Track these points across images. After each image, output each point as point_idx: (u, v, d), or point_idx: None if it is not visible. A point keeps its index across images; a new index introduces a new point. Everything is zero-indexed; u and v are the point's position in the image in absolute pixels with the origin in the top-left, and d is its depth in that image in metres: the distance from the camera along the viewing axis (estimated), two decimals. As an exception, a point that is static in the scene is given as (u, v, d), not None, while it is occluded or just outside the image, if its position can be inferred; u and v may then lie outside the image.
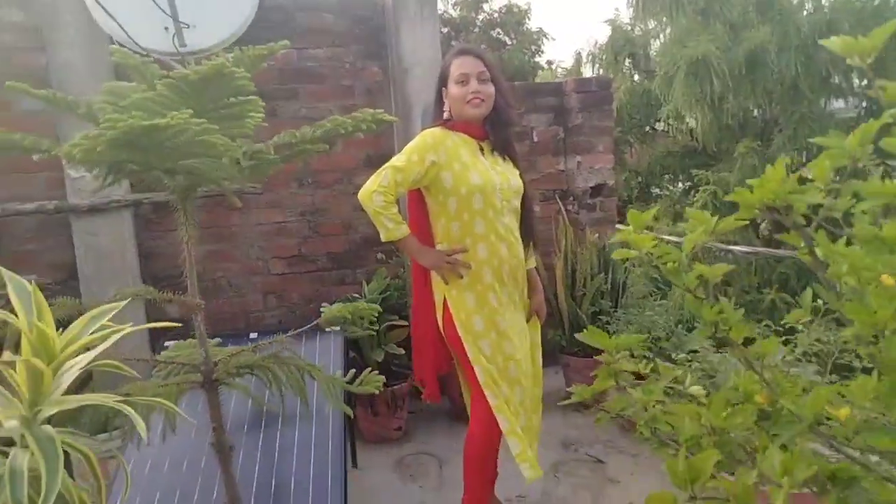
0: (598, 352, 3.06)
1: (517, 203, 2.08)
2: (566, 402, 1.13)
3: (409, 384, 2.96)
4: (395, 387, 2.91)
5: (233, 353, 1.25)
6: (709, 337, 0.96)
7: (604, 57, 7.32)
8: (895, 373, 0.69)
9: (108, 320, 0.86)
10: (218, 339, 1.34)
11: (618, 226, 4.82)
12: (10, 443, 0.70)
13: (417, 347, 2.22)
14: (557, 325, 3.23)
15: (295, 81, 3.25)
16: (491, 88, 1.99)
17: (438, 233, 2.03)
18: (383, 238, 1.95)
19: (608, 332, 3.09)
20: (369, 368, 1.43)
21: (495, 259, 1.98)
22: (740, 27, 5.61)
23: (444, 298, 2.03)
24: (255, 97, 0.97)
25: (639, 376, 1.15)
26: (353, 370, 1.43)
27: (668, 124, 6.32)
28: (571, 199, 3.67)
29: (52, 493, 0.58)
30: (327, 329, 2.76)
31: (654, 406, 0.95)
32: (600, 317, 3.01)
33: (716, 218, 1.03)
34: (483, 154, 2.02)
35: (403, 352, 2.90)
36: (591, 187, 3.64)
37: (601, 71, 7.37)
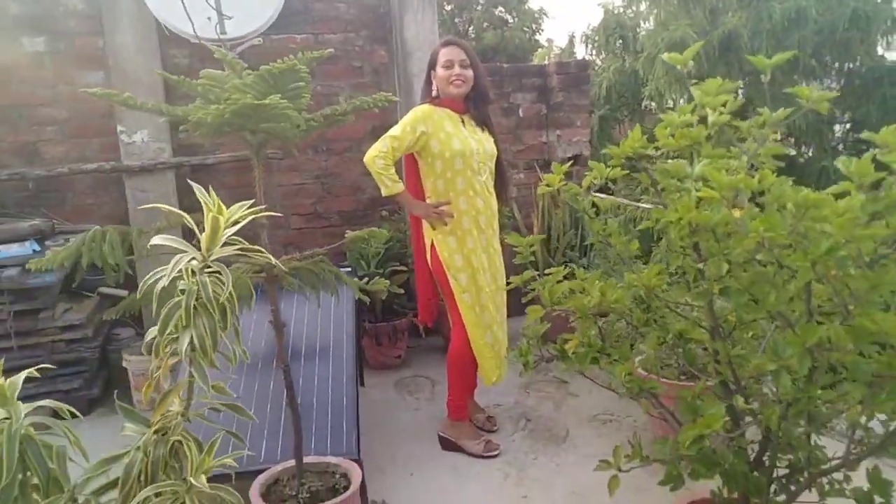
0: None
1: (492, 165, 2.60)
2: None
3: (408, 320, 3.52)
4: (396, 322, 3.48)
5: (286, 260, 1.79)
6: (598, 241, 1.51)
7: (596, 38, 7.77)
8: (674, 257, 1.23)
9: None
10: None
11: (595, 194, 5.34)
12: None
13: (417, 280, 2.79)
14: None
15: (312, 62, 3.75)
16: (470, 73, 2.49)
17: (428, 189, 2.56)
18: (384, 193, 2.49)
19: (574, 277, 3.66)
20: (378, 276, 1.98)
21: (472, 210, 2.51)
22: (720, 12, 6.07)
23: (432, 242, 2.57)
24: (307, 84, 1.49)
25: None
26: (366, 277, 1.98)
27: (650, 102, 6.79)
28: (551, 167, 4.19)
29: (227, 290, 1.13)
30: (342, 269, 3.34)
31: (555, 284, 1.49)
32: (570, 264, 3.55)
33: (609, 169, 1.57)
34: (464, 125, 2.54)
35: (403, 292, 3.45)
36: (569, 157, 4.15)
37: (594, 51, 7.83)
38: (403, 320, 3.51)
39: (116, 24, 3.32)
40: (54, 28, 3.37)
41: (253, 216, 1.29)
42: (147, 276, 1.15)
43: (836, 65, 6.65)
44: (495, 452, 2.57)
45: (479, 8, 12.85)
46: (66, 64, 3.40)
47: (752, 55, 4.90)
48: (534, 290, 1.59)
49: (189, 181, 1.43)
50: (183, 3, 2.11)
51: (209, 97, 1.45)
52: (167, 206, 1.35)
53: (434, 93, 2.58)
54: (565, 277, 1.66)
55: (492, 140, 2.60)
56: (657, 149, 1.38)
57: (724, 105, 1.29)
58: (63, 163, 3.40)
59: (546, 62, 4.62)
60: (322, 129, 1.70)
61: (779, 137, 1.35)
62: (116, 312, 2.05)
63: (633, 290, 1.47)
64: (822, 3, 5.89)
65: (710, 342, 1.41)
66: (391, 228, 3.67)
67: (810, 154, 6.81)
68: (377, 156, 2.44)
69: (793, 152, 6.99)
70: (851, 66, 6.38)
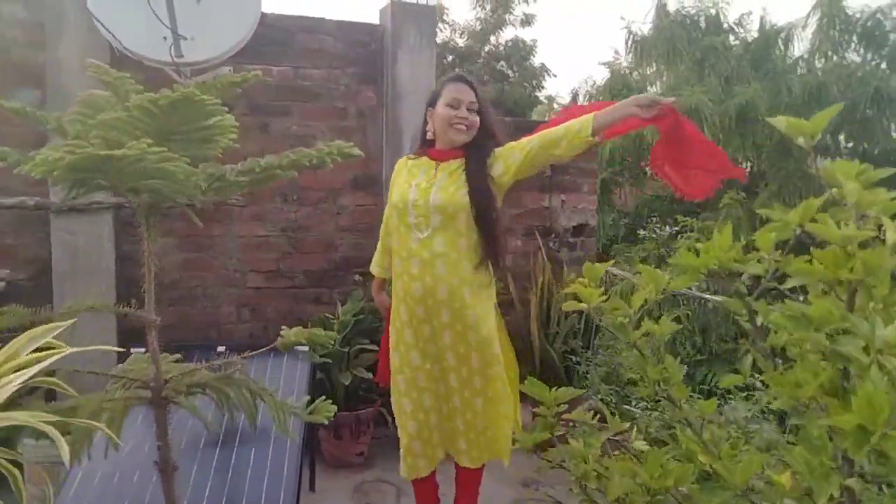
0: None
1: (441, 219, 2.00)
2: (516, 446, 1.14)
3: (375, 410, 2.94)
4: (361, 412, 2.90)
5: (185, 372, 1.24)
6: (653, 397, 0.98)
7: (601, 98, 7.45)
8: (815, 451, 0.70)
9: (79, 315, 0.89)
10: (178, 356, 1.33)
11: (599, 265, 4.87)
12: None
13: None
14: (528, 362, 3.24)
15: (289, 99, 3.28)
16: (477, 120, 2.03)
17: None
18: None
19: (577, 372, 3.12)
20: (324, 397, 1.41)
21: (405, 275, 2.04)
22: (734, 81, 5.75)
23: None
24: (224, 122, 0.99)
25: (604, 420, 1.17)
26: (308, 397, 1.43)
27: (657, 169, 6.43)
28: (553, 236, 3.70)
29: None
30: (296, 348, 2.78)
31: (592, 460, 0.95)
32: (571, 356, 3.03)
33: (668, 276, 1.06)
34: (436, 172, 2.05)
35: (372, 376, 2.88)
36: (574, 226, 3.68)
37: (597, 111, 7.52)
38: (370, 409, 2.93)
39: (60, 37, 2.83)
40: (-13, 37, 2.87)
41: (51, 360, 0.75)
42: None
43: (851, 144, 6.34)
44: None
45: (481, 61, 12.68)
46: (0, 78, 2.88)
47: (769, 129, 4.37)
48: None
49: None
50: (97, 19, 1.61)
51: (70, 133, 0.93)
52: None
53: (429, 135, 2.11)
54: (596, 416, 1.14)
55: (458, 188, 2.01)
56: (762, 266, 0.88)
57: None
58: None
59: (549, 118, 4.20)
60: (247, 189, 1.18)
61: None
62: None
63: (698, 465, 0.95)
64: (842, 81, 5.59)
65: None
66: (364, 297, 3.13)
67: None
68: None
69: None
70: (866, 146, 6.08)
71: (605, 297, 1.01)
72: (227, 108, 1.01)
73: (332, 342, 1.37)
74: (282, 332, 1.41)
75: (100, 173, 0.91)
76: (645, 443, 1.12)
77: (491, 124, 2.08)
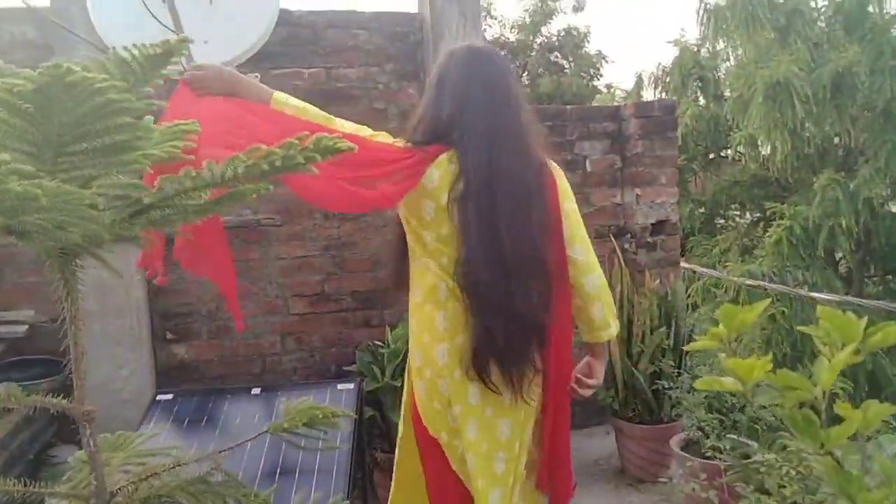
0: (657, 420, 2.56)
1: None
2: None
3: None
4: (419, 451, 2.54)
5: (142, 478, 0.90)
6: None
7: (668, 80, 6.87)
8: None
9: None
10: (140, 437, 0.99)
11: (683, 264, 4.33)
12: None
13: None
14: (610, 385, 2.80)
15: (323, 103, 2.95)
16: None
17: None
18: None
19: (669, 397, 2.66)
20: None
21: None
22: (825, 46, 5.09)
23: None
24: (143, 123, 0.64)
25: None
26: (341, 495, 1.07)
27: (739, 152, 5.80)
28: (628, 236, 3.24)
29: None
30: (343, 383, 2.45)
31: None
32: (660, 381, 2.56)
33: (863, 321, 0.63)
34: None
35: (429, 412, 2.52)
36: (652, 224, 3.21)
37: (664, 94, 6.90)
38: (429, 448, 2.56)
39: (70, 54, 2.61)
40: None
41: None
42: None
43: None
44: None
45: (534, 54, 12.21)
46: None
47: (871, 96, 3.66)
48: None
49: None
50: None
51: None
52: None
53: None
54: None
55: None
56: None
57: None
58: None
59: (622, 103, 3.76)
60: (198, 218, 0.83)
61: None
62: None
63: None
64: (957, 35, 4.86)
65: None
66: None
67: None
68: None
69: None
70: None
71: (769, 368, 0.60)
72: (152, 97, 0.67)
73: (357, 414, 1.01)
74: (283, 407, 1.05)
75: None
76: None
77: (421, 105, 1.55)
